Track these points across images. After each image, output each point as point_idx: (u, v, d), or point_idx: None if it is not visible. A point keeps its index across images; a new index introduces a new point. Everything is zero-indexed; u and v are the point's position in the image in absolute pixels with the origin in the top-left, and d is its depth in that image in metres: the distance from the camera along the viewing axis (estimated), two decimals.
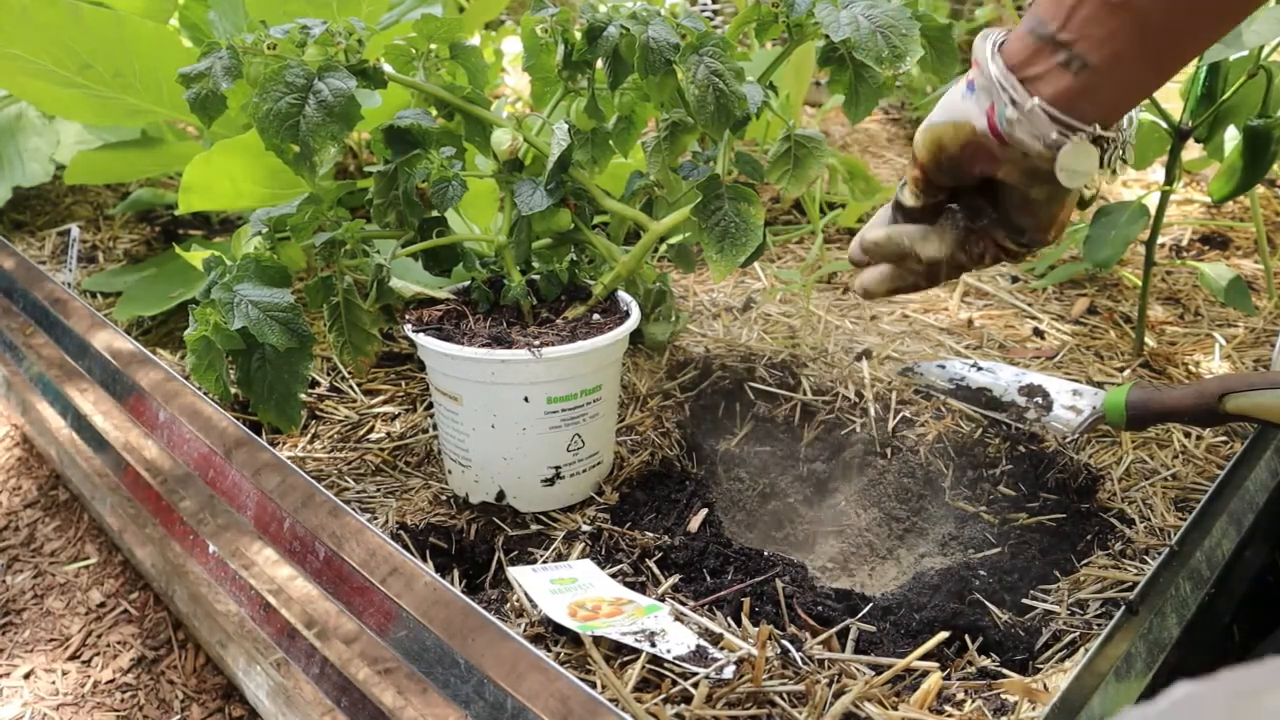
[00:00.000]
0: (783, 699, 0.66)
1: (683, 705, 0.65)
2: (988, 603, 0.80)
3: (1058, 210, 0.67)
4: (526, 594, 0.75)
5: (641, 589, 0.79)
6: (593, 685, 0.65)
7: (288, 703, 0.75)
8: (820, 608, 0.78)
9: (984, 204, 0.70)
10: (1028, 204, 0.66)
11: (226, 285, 0.88)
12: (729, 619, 0.75)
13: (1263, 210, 1.60)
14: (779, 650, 0.71)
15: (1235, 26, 0.58)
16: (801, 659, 0.70)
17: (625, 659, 0.69)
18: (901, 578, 0.90)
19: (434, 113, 0.97)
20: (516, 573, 0.78)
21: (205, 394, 0.98)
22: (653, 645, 0.68)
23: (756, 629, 0.71)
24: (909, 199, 0.72)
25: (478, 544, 0.88)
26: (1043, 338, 1.24)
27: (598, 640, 0.69)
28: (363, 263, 0.94)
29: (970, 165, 0.65)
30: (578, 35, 0.91)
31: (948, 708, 0.66)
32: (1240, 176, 1.08)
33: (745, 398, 1.11)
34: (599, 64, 0.91)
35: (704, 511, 0.91)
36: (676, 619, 0.73)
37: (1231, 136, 1.20)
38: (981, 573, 0.84)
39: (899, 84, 2.12)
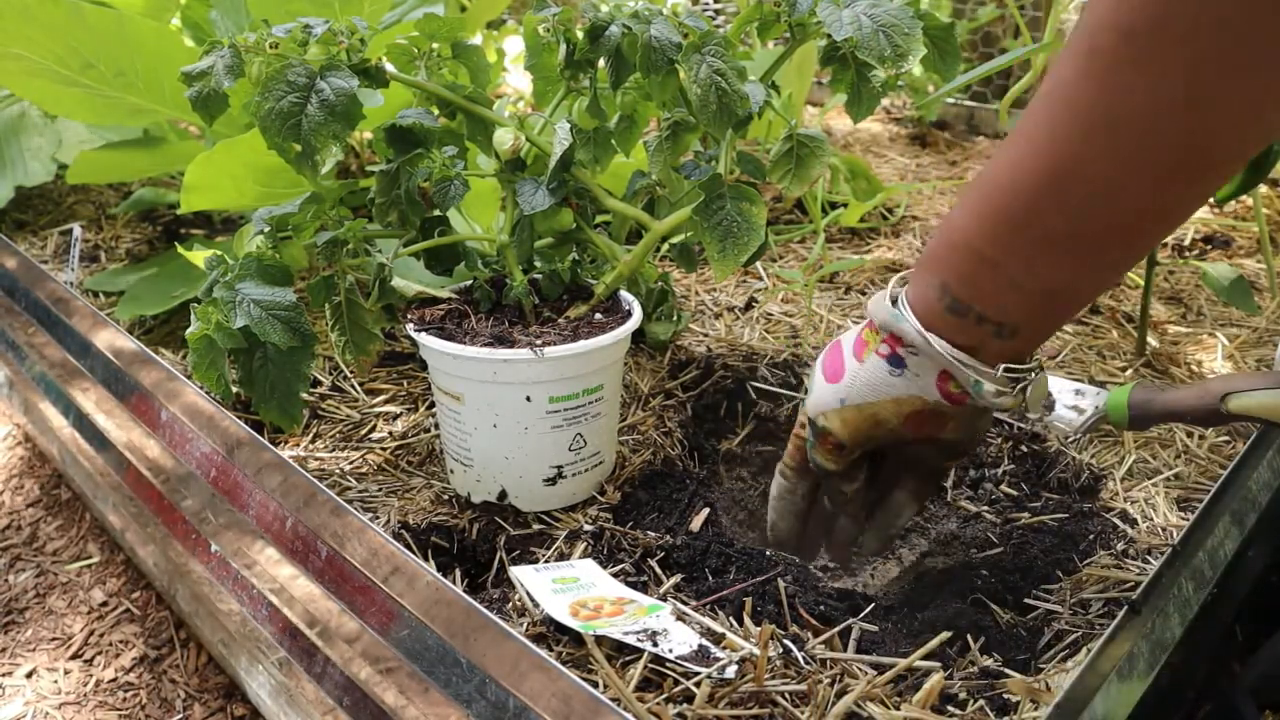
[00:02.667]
0: (785, 698, 0.65)
1: (685, 705, 0.65)
2: (990, 602, 0.80)
3: (987, 423, 0.73)
4: (528, 593, 0.75)
5: (643, 588, 0.79)
6: (595, 685, 0.65)
7: (290, 702, 0.75)
8: (822, 607, 0.78)
9: (925, 450, 0.74)
10: (973, 433, 0.71)
11: (228, 284, 0.88)
12: (731, 618, 0.75)
13: (1265, 210, 1.59)
14: (781, 650, 0.70)
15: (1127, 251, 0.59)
16: (804, 658, 0.70)
17: (627, 658, 0.69)
18: (903, 577, 0.90)
19: (436, 112, 0.97)
20: (518, 572, 0.78)
21: (207, 393, 0.98)
22: (655, 645, 0.68)
23: (758, 628, 0.71)
24: (831, 464, 0.74)
25: (479, 543, 0.88)
26: None
27: (600, 640, 0.69)
28: (364, 262, 0.94)
29: (916, 431, 0.68)
30: (580, 34, 0.91)
31: (950, 707, 0.65)
32: (1243, 176, 1.08)
33: (747, 397, 1.11)
34: (601, 63, 0.91)
35: (706, 511, 0.91)
36: (678, 619, 0.73)
37: None
38: (983, 572, 0.84)
39: (901, 83, 2.11)
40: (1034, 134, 0.54)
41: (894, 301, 0.65)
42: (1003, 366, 0.63)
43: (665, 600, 0.76)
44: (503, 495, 0.90)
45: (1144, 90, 0.48)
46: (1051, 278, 0.58)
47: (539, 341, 0.84)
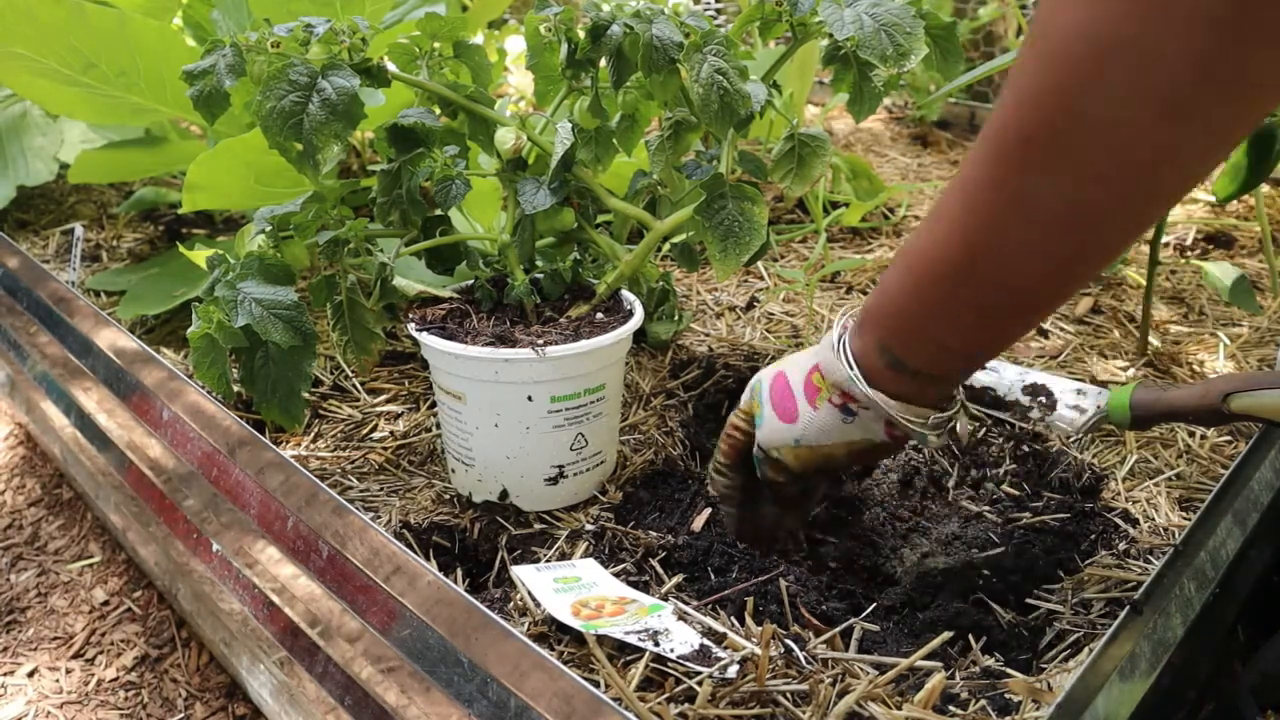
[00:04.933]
0: (786, 698, 0.65)
1: (686, 704, 0.65)
2: (991, 602, 0.80)
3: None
4: (530, 593, 0.75)
5: (645, 588, 0.79)
6: (596, 684, 0.65)
7: (291, 701, 0.75)
8: (824, 607, 0.78)
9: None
10: (900, 449, 0.80)
11: (230, 283, 0.88)
12: (733, 618, 0.75)
13: (1267, 209, 1.59)
14: (783, 649, 0.70)
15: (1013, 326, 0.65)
16: (805, 658, 0.70)
17: (629, 658, 0.69)
18: (905, 577, 0.90)
19: (437, 111, 0.97)
20: (520, 572, 0.78)
21: (209, 392, 0.98)
22: (656, 644, 0.68)
23: (760, 628, 0.71)
24: (779, 481, 0.81)
25: (481, 543, 0.88)
26: (1047, 337, 1.24)
27: (601, 639, 0.69)
28: (366, 261, 0.94)
29: (858, 461, 0.78)
30: (581, 34, 0.91)
31: (951, 707, 0.65)
32: (1245, 175, 1.08)
33: None
34: (602, 62, 0.91)
35: (708, 511, 0.91)
36: (680, 618, 0.73)
37: None
38: (985, 572, 0.84)
39: (902, 83, 2.11)
40: (952, 217, 0.60)
41: (841, 354, 0.72)
42: (932, 416, 0.71)
43: (667, 600, 0.76)
44: (504, 495, 0.90)
45: (1043, 193, 0.54)
46: (971, 340, 0.65)
47: (541, 341, 0.84)
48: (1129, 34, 0.46)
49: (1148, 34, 0.46)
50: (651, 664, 0.67)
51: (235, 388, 0.95)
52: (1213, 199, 1.77)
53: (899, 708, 0.65)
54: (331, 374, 1.14)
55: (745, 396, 0.83)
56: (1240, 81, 0.47)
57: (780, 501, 0.84)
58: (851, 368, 0.70)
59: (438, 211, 0.95)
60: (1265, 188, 1.66)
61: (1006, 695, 0.66)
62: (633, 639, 0.68)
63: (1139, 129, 0.49)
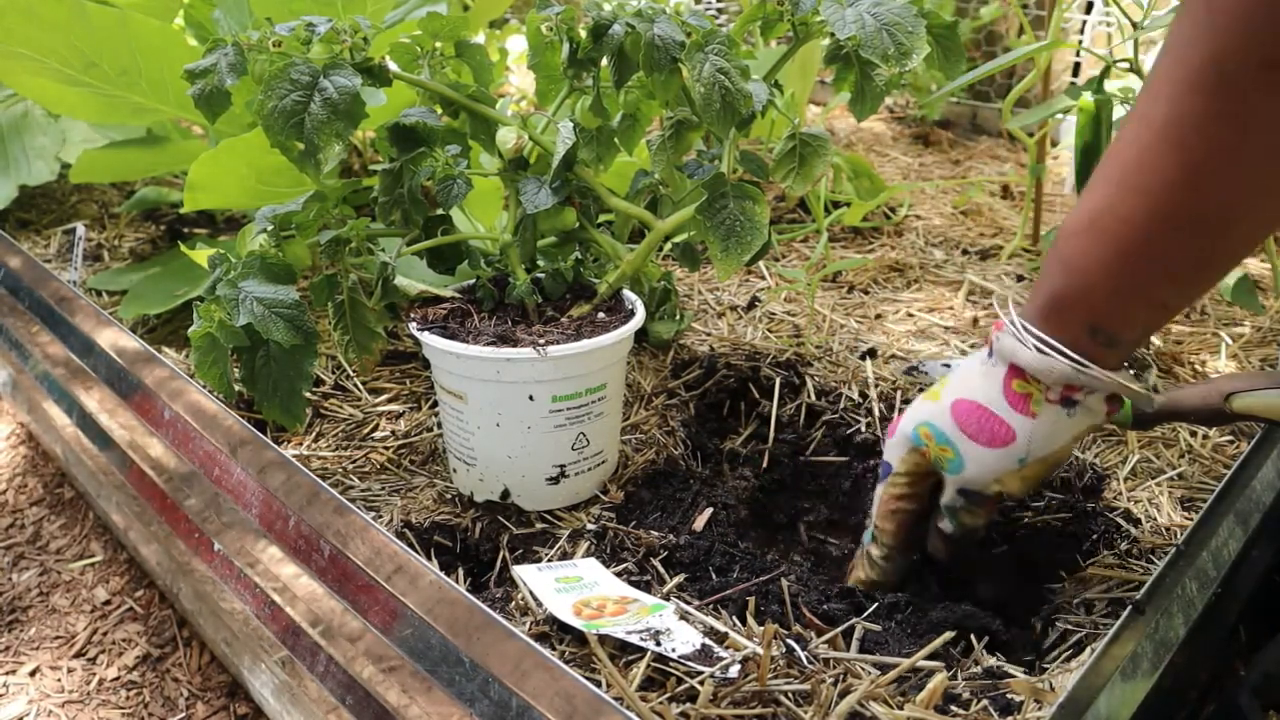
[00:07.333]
0: (788, 698, 0.65)
1: (688, 704, 0.65)
2: (994, 602, 0.80)
3: None
4: (531, 592, 0.75)
5: (646, 588, 0.79)
6: (597, 684, 0.65)
7: (292, 700, 0.75)
8: (826, 607, 0.78)
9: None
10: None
11: (231, 282, 0.88)
12: (734, 618, 0.75)
13: None
14: (784, 649, 0.70)
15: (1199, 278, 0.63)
16: (807, 658, 0.70)
17: (630, 658, 0.69)
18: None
19: (439, 111, 0.96)
20: (521, 571, 0.78)
21: (210, 392, 0.98)
22: (658, 644, 0.68)
23: (762, 628, 0.71)
24: (984, 520, 0.77)
25: (482, 542, 0.88)
26: None
27: (603, 639, 0.69)
28: (367, 261, 0.94)
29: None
30: (583, 33, 0.91)
31: (953, 707, 0.65)
32: None
33: (750, 396, 1.11)
34: (604, 62, 0.91)
35: (709, 511, 0.91)
36: (681, 618, 0.73)
37: None
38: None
39: (904, 82, 2.11)
40: (1164, 170, 0.56)
41: (1048, 350, 0.67)
42: (1152, 376, 0.69)
43: (668, 600, 0.76)
44: (505, 494, 0.90)
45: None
46: (1189, 293, 0.64)
47: (542, 340, 0.84)
48: None
49: None
50: (653, 664, 0.67)
51: (236, 387, 0.95)
52: None
53: (901, 708, 0.65)
54: (333, 373, 1.14)
55: (899, 453, 0.77)
56: None
57: (955, 558, 0.80)
58: (1069, 358, 0.66)
59: (439, 211, 0.95)
60: None
61: (1008, 695, 0.66)
62: (634, 639, 0.68)
63: None
